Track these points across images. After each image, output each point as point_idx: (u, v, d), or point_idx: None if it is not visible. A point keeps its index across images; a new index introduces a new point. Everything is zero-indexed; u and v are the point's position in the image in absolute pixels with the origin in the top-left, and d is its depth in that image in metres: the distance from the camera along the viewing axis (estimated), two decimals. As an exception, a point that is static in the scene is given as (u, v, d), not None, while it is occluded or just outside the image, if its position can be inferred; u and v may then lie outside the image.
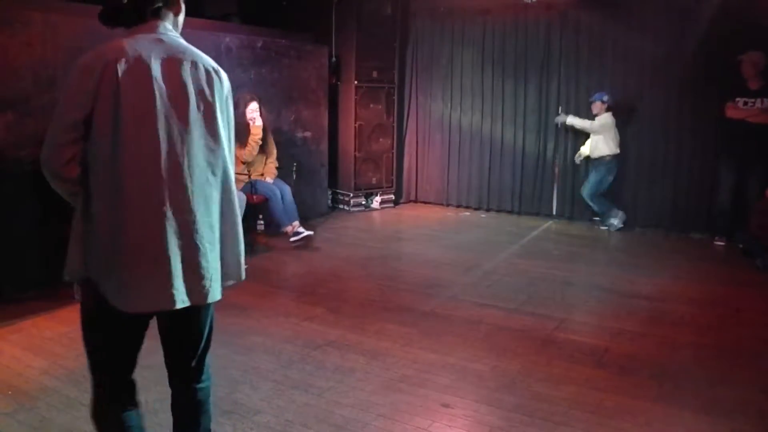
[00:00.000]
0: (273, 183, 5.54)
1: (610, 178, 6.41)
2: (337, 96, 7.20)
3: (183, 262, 1.75)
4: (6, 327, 3.60)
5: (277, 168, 5.72)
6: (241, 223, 1.95)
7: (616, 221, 6.46)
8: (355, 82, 7.06)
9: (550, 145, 7.01)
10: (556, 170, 7.05)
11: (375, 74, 7.22)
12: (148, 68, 1.70)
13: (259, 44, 6.07)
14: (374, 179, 7.48)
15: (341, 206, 7.43)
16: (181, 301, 1.75)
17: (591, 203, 6.56)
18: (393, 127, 7.55)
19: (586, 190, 6.54)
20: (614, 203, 6.52)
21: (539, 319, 3.93)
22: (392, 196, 7.68)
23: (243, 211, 4.97)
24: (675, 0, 6.10)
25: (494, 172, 7.36)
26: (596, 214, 6.68)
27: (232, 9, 6.49)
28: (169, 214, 1.71)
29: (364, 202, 7.43)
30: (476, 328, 3.80)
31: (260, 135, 5.39)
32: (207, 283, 1.80)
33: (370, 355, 3.34)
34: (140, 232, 1.69)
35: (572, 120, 6.59)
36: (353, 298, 4.33)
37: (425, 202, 7.92)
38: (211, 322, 1.95)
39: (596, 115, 6.39)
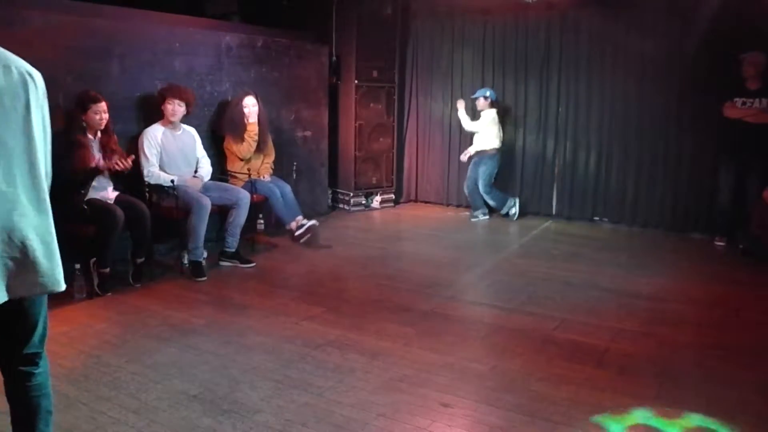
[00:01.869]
0: (271, 182, 5.53)
1: (496, 171, 6.91)
2: (337, 95, 7.20)
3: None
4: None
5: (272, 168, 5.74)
6: (55, 237, 1.93)
7: (482, 213, 7.00)
8: (356, 82, 7.05)
9: (550, 145, 7.00)
10: (556, 170, 7.05)
11: (375, 74, 7.22)
12: None
13: (260, 43, 6.06)
14: (374, 179, 7.48)
15: (341, 206, 7.43)
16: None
17: (487, 197, 6.94)
18: (393, 126, 7.55)
19: (481, 186, 6.88)
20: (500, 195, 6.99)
21: (539, 319, 3.93)
22: (392, 196, 7.68)
23: (246, 211, 4.97)
24: (675, 0, 6.10)
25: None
26: (498, 208, 7.01)
27: (233, 8, 6.49)
28: None
29: (364, 202, 7.42)
30: (476, 328, 3.80)
31: (255, 131, 5.39)
32: (28, 277, 1.83)
33: (370, 354, 3.34)
34: None
35: (462, 116, 6.96)
36: (353, 297, 4.33)
37: (425, 202, 7.92)
38: (43, 312, 1.99)
39: (481, 111, 6.83)
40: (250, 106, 5.37)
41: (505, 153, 7.19)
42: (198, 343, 3.45)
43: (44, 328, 2.02)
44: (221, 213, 5.05)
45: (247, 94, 5.42)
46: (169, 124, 4.80)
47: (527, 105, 7.09)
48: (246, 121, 5.34)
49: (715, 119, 5.74)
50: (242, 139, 5.35)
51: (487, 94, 6.80)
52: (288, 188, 5.56)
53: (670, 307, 4.20)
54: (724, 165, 5.76)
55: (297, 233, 5.51)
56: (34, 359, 2.00)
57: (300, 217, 5.55)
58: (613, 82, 6.53)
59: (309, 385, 2.98)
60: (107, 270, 4.23)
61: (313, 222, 5.57)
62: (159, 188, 4.73)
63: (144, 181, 4.72)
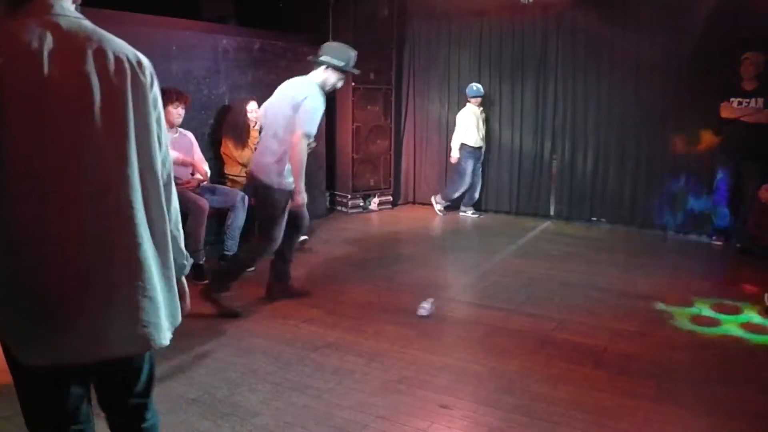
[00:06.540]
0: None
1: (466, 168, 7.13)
2: (334, 98, 7.20)
3: (102, 304, 1.45)
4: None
5: None
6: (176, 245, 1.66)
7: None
8: (353, 84, 7.05)
9: (547, 146, 7.03)
10: (554, 171, 7.07)
11: (372, 76, 7.23)
12: (40, 63, 1.36)
13: (256, 46, 6.07)
14: (372, 181, 7.48)
15: (339, 208, 7.43)
16: (99, 354, 1.48)
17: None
18: (390, 128, 7.56)
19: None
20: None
21: (537, 320, 3.93)
22: (390, 198, 7.69)
23: (244, 213, 4.94)
24: (671, 0, 6.12)
25: (492, 173, 7.36)
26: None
27: (229, 11, 6.49)
28: (67, 244, 1.41)
29: (362, 204, 7.43)
30: (474, 329, 3.81)
31: (258, 137, 5.38)
32: (140, 327, 1.50)
33: (369, 356, 3.34)
34: (43, 271, 1.40)
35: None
36: (351, 299, 4.33)
37: (423, 204, 7.92)
38: (152, 364, 1.68)
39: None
40: (254, 111, 5.38)
41: (503, 154, 7.22)
42: (196, 346, 3.44)
43: (151, 380, 1.70)
44: (219, 216, 5.04)
45: (251, 99, 5.43)
46: (171, 126, 4.79)
47: (524, 106, 7.10)
48: (250, 127, 5.36)
49: (712, 119, 5.76)
50: (245, 145, 5.35)
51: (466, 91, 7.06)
52: None
53: (667, 307, 4.20)
54: (720, 164, 5.78)
55: None
56: (139, 413, 1.71)
57: None
58: (609, 83, 6.56)
59: (308, 387, 2.98)
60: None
61: (303, 237, 5.52)
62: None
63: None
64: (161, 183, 1.57)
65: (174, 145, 4.84)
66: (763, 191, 5.30)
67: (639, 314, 4.04)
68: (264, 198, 3.94)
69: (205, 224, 4.66)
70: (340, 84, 4.10)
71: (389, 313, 4.03)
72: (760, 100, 5.44)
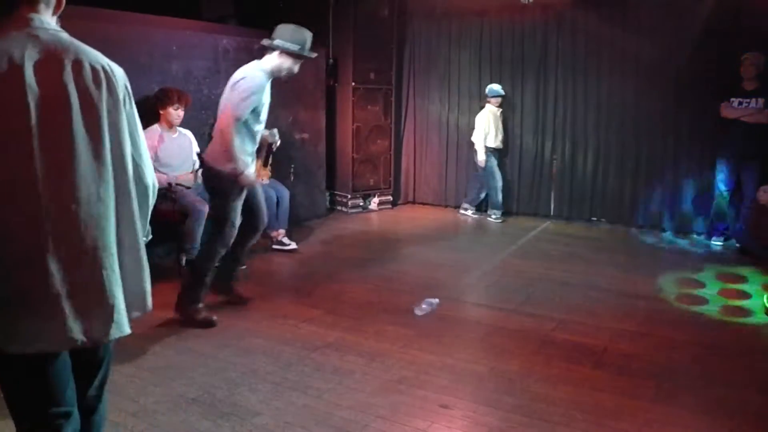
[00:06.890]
0: (270, 185, 5.52)
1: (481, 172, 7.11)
2: (334, 98, 7.20)
3: (73, 296, 1.54)
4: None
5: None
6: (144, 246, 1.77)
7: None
8: (353, 84, 7.06)
9: (548, 146, 7.03)
10: (554, 171, 7.07)
11: (372, 76, 7.23)
12: (20, 73, 1.46)
13: (256, 46, 6.03)
14: (372, 180, 7.48)
15: (339, 208, 7.42)
16: (78, 340, 1.57)
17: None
18: (391, 128, 7.56)
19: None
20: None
21: (537, 320, 3.93)
22: (390, 198, 7.68)
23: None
24: (671, 1, 6.12)
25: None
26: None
27: (229, 11, 6.49)
28: (53, 242, 1.51)
29: (362, 204, 7.43)
30: (475, 329, 3.81)
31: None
32: (107, 316, 1.63)
33: (369, 356, 3.34)
34: (22, 269, 1.49)
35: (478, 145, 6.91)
36: (351, 299, 4.33)
37: (423, 203, 7.92)
38: (111, 354, 1.82)
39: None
40: None
41: (503, 154, 7.21)
42: (196, 346, 3.45)
43: (107, 370, 1.82)
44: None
45: None
46: (170, 127, 4.79)
47: (524, 106, 7.10)
48: None
49: (712, 119, 5.76)
50: None
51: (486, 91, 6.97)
52: (286, 194, 5.53)
53: (668, 306, 4.20)
54: (720, 164, 5.78)
55: (274, 246, 5.52)
56: (94, 402, 1.81)
57: (282, 231, 5.52)
58: (610, 83, 6.56)
59: (308, 387, 2.98)
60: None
61: (293, 247, 5.54)
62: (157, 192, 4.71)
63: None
64: (133, 184, 1.71)
65: (174, 144, 4.85)
66: (761, 193, 5.30)
67: (639, 314, 4.04)
68: (214, 184, 3.78)
69: (204, 225, 4.66)
70: (296, 69, 3.88)
71: (389, 313, 4.03)
72: (761, 100, 5.44)
